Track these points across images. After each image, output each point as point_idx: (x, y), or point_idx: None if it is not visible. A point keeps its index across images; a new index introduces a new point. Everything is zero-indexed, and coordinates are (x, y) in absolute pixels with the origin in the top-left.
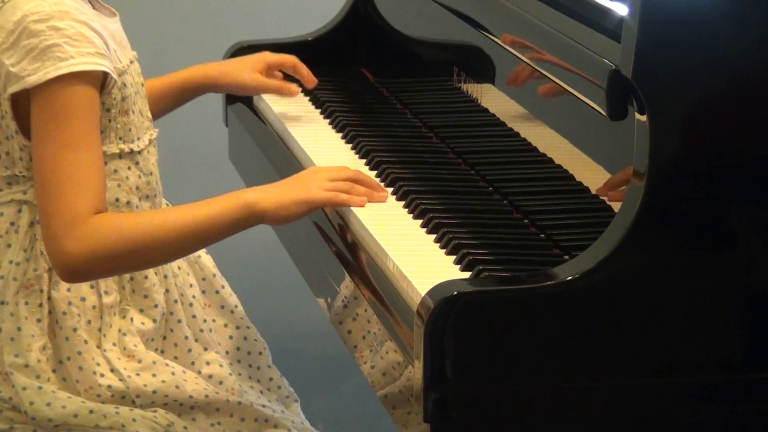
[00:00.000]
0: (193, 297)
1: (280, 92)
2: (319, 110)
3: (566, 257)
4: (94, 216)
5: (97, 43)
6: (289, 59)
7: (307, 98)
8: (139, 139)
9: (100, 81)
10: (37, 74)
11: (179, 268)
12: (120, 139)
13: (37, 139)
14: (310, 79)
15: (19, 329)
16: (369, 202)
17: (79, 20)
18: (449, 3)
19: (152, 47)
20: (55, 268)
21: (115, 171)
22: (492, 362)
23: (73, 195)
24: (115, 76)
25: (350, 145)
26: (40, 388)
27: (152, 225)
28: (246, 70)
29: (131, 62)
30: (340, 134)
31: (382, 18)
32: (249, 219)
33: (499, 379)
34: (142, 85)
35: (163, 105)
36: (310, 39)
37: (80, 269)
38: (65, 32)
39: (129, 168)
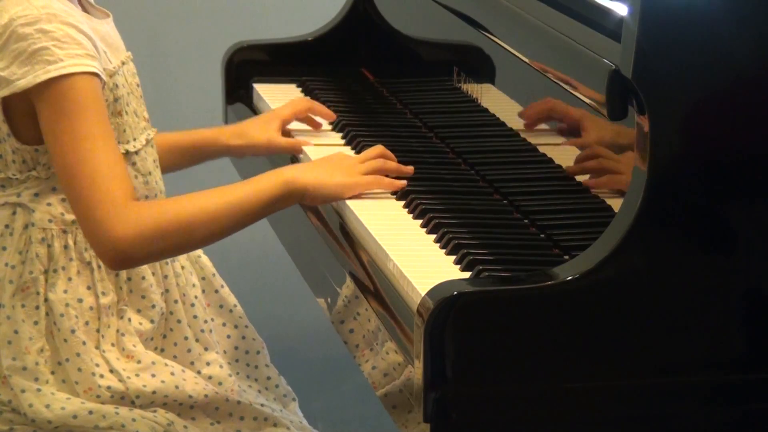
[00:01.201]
0: (195, 297)
1: (294, 151)
2: None
3: (566, 257)
4: (133, 201)
5: (86, 45)
6: (302, 106)
7: (307, 98)
8: (135, 139)
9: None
10: (27, 78)
11: (182, 268)
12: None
13: (53, 139)
14: (329, 116)
15: (16, 332)
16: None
17: (67, 22)
18: (449, 3)
19: (152, 47)
20: (104, 256)
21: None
22: (492, 362)
23: (106, 182)
24: (104, 77)
25: (350, 145)
26: (38, 390)
27: (194, 206)
28: (257, 129)
29: (123, 63)
30: (340, 134)
31: (382, 18)
32: (289, 196)
33: (499, 379)
34: (138, 85)
35: (175, 159)
36: (310, 39)
37: (131, 252)
38: (53, 35)
39: None
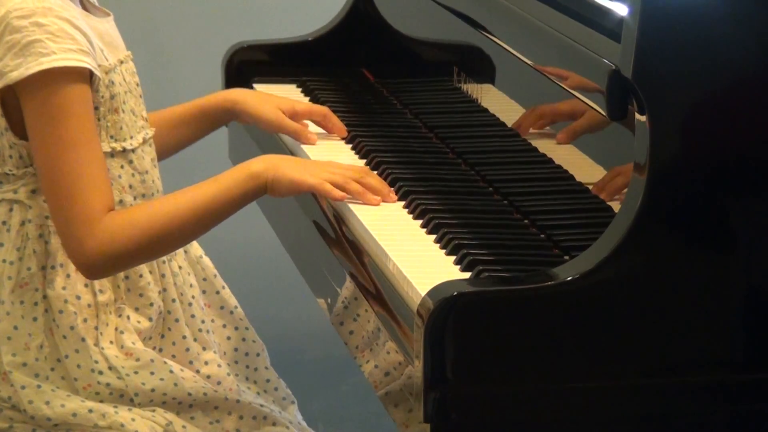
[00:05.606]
0: (193, 297)
1: (298, 138)
2: None
3: (566, 257)
4: (108, 214)
5: (80, 40)
6: (319, 109)
7: (308, 98)
8: (132, 137)
9: (88, 78)
10: (19, 70)
11: (180, 267)
12: (111, 137)
13: (37, 142)
14: (341, 130)
15: (15, 328)
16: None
17: (63, 17)
18: (449, 3)
19: (152, 47)
20: (79, 268)
21: (107, 170)
22: (492, 362)
23: (84, 195)
24: (98, 73)
25: (350, 145)
26: (39, 386)
27: (165, 213)
28: (269, 104)
29: (121, 62)
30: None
31: (382, 18)
32: (256, 190)
33: (499, 379)
34: (138, 85)
35: (183, 132)
36: (310, 39)
37: (103, 266)
38: (48, 28)
39: (122, 167)
